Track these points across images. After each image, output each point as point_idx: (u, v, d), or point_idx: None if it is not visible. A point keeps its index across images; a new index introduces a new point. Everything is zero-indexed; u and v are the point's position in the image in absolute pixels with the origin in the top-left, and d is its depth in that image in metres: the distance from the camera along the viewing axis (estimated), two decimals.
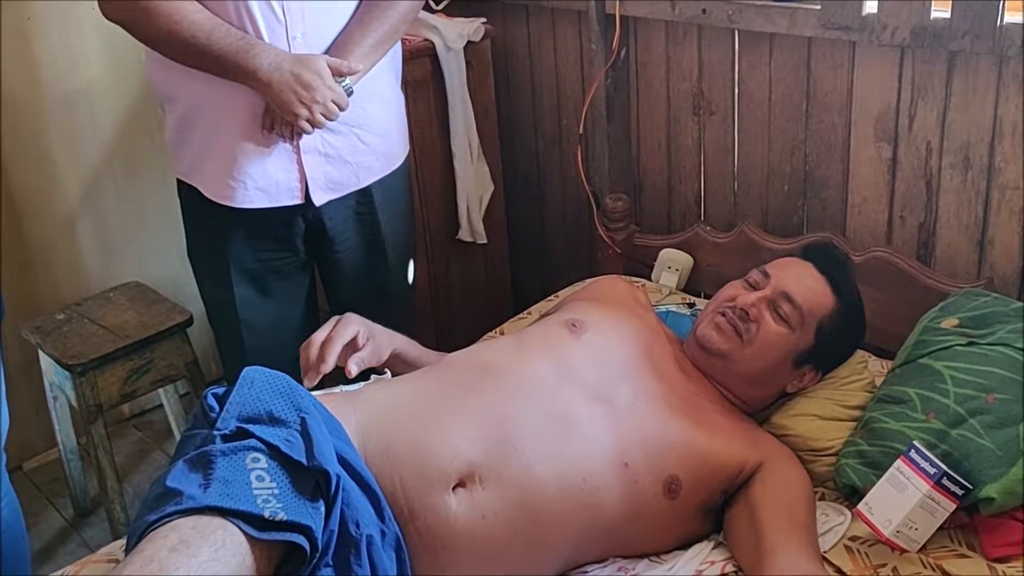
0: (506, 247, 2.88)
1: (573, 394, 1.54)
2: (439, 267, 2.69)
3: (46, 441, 2.73)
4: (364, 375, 1.88)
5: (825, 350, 1.69)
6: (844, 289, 1.70)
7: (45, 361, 2.45)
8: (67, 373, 2.32)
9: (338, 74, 1.80)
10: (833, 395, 1.72)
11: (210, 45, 1.73)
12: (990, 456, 1.48)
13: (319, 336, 1.62)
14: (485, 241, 2.73)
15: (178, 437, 1.59)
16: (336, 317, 1.66)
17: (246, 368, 1.47)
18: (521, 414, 1.48)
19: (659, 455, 1.52)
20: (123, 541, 1.53)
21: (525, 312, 2.24)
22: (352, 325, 1.64)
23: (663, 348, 1.70)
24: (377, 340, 1.67)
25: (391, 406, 1.53)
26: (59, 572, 1.55)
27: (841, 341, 1.73)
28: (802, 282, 1.68)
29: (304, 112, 1.76)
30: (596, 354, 1.60)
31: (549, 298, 2.26)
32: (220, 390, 1.49)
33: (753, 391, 1.70)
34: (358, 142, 1.94)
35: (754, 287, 1.69)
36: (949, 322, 1.69)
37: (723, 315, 1.67)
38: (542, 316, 1.86)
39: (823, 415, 1.70)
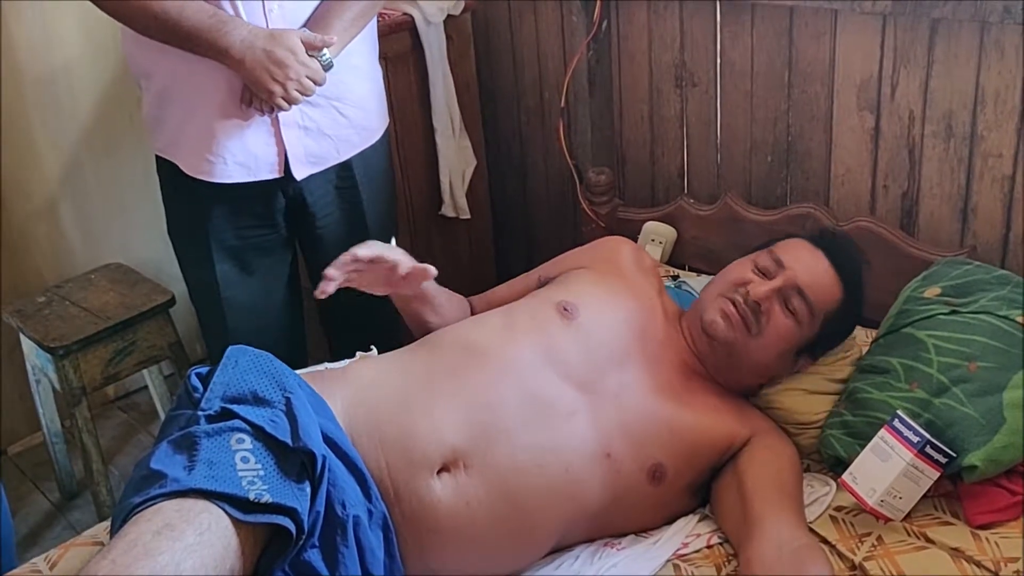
0: (489, 222, 2.87)
1: (558, 382, 1.53)
2: (422, 243, 2.68)
3: (30, 425, 2.71)
4: (350, 352, 1.88)
5: (825, 340, 1.68)
6: (852, 281, 1.66)
7: (27, 344, 2.43)
8: (49, 356, 2.30)
9: (313, 48, 1.78)
10: (819, 369, 1.72)
11: (181, 22, 1.71)
12: (973, 424, 1.48)
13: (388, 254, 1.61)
14: (468, 216, 2.72)
15: (163, 418, 1.58)
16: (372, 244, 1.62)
17: (230, 347, 1.46)
18: (506, 401, 1.47)
19: (643, 444, 1.52)
20: (108, 523, 1.52)
21: None
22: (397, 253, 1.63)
23: (657, 327, 1.67)
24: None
25: (377, 386, 1.52)
26: (43, 555, 1.54)
27: (841, 331, 1.71)
28: (815, 276, 1.62)
29: (278, 89, 1.75)
30: (586, 341, 1.57)
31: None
32: (204, 370, 1.48)
33: (750, 379, 1.69)
34: (337, 115, 1.92)
35: (764, 274, 1.63)
36: (932, 291, 1.69)
37: (733, 303, 1.61)
38: (541, 283, 1.79)
39: (809, 389, 1.70)
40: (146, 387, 2.73)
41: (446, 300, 1.78)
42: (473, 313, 1.80)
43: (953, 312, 1.62)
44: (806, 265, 1.63)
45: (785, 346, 1.63)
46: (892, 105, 1.95)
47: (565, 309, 1.60)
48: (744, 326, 1.60)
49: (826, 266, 1.64)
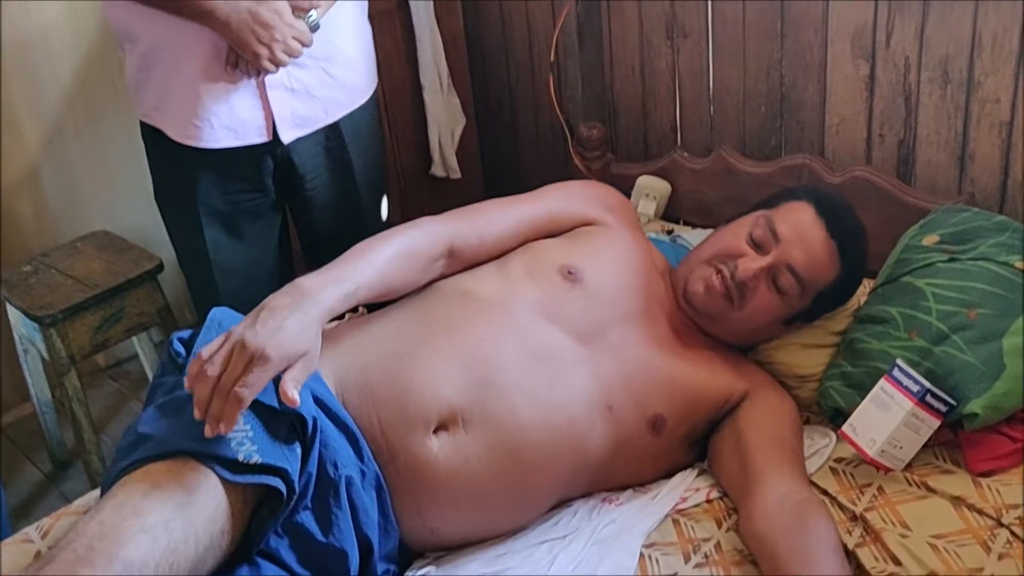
0: (480, 181, 2.84)
1: (559, 335, 1.50)
2: (412, 203, 2.64)
3: (20, 395, 2.69)
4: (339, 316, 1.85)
5: (817, 311, 1.64)
6: (851, 258, 1.59)
7: (13, 314, 2.40)
8: (36, 325, 2.27)
9: (299, 10, 1.74)
10: (817, 323, 1.69)
11: None
12: (973, 371, 1.46)
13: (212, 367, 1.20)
14: (459, 176, 2.68)
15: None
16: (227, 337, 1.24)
17: (213, 309, 1.44)
18: (505, 356, 1.44)
19: (644, 395, 1.50)
20: (99, 492, 1.50)
21: None
22: (266, 367, 1.21)
23: (655, 284, 1.64)
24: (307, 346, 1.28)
25: (368, 345, 1.48)
26: (35, 524, 1.52)
27: (836, 302, 1.67)
28: (811, 254, 1.55)
29: (264, 51, 1.71)
30: (589, 300, 1.54)
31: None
32: (186, 334, 1.45)
33: (736, 342, 1.66)
34: (325, 76, 1.88)
35: (758, 246, 1.57)
36: (930, 239, 1.67)
37: (719, 274, 1.56)
38: (539, 228, 1.68)
39: (807, 342, 1.68)
40: (136, 356, 2.70)
41: (399, 271, 1.50)
42: (453, 251, 1.58)
43: (952, 259, 1.60)
44: (803, 240, 1.55)
45: (770, 318, 1.59)
46: (887, 52, 1.91)
47: (570, 272, 1.55)
48: (726, 299, 1.56)
49: (824, 240, 1.56)
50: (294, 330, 1.25)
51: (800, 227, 1.56)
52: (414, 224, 1.56)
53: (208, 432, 1.18)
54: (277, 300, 1.30)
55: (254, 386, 1.19)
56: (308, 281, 1.34)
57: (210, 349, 1.22)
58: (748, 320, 1.58)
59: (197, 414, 1.19)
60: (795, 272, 1.55)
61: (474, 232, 1.61)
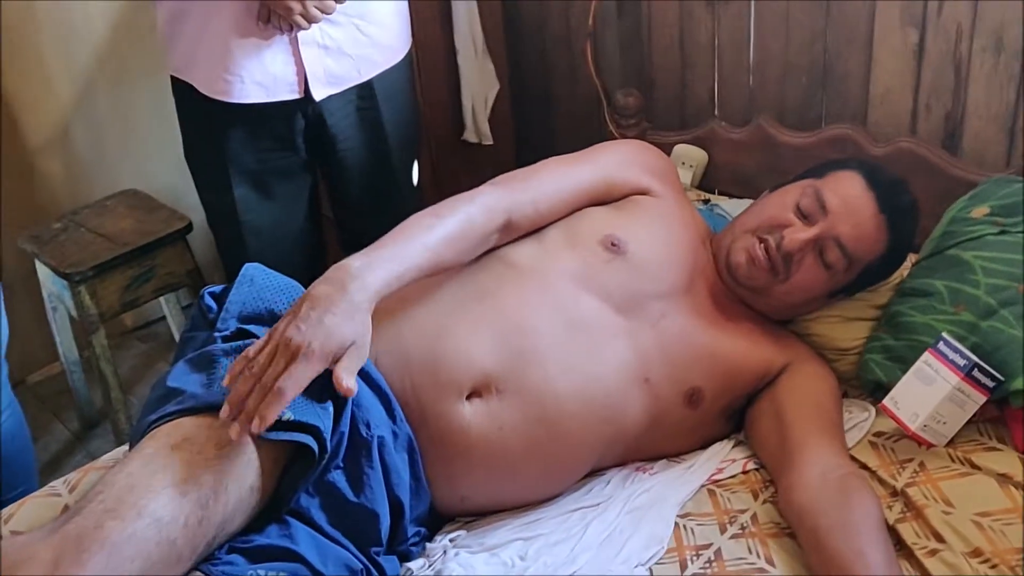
0: (513, 148, 2.79)
1: (598, 305, 1.46)
2: (443, 169, 2.61)
3: (48, 354, 2.69)
4: None
5: (862, 285, 1.60)
6: (900, 234, 1.55)
7: (43, 272, 2.40)
8: (65, 283, 2.27)
9: None
10: (859, 295, 1.65)
11: None
12: (1022, 347, 1.42)
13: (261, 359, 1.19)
14: (491, 142, 2.64)
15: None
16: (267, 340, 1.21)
17: (246, 264, 1.42)
18: (542, 324, 1.41)
19: (682, 369, 1.47)
20: (127, 448, 1.49)
21: None
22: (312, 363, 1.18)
23: (700, 256, 1.59)
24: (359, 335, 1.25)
25: (404, 311, 1.44)
26: (62, 478, 1.52)
27: (881, 275, 1.62)
28: (859, 228, 1.49)
29: (296, 6, 1.70)
30: (631, 272, 1.49)
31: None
32: (218, 289, 1.43)
33: (776, 315, 1.61)
34: (358, 33, 1.86)
35: (805, 216, 1.51)
36: (979, 211, 1.62)
37: (764, 245, 1.51)
38: (589, 195, 1.62)
39: (848, 315, 1.65)
40: (164, 317, 2.70)
41: (453, 251, 1.43)
42: (508, 226, 1.52)
43: (1003, 232, 1.55)
44: (852, 213, 1.50)
45: (815, 293, 1.55)
46: (939, 20, 1.86)
47: (613, 243, 1.51)
48: (770, 270, 1.52)
49: (874, 214, 1.50)
50: (339, 323, 1.20)
51: (849, 200, 1.51)
52: (471, 197, 1.48)
53: (234, 434, 1.13)
54: (320, 288, 1.24)
55: (297, 381, 1.16)
56: (356, 261, 1.29)
57: (255, 348, 1.19)
58: (791, 294, 1.54)
59: (225, 412, 1.14)
60: (842, 246, 1.50)
61: (530, 203, 1.54)
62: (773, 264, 1.51)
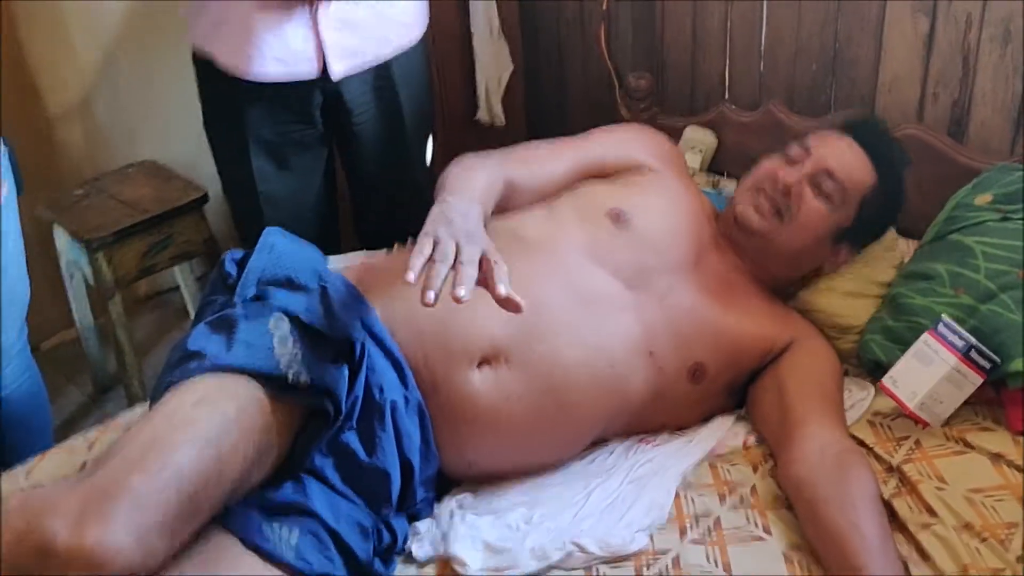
0: (525, 129, 2.82)
1: (606, 277, 1.50)
2: (456, 149, 2.61)
3: (63, 320, 2.73)
4: (387, 243, 1.87)
5: (864, 226, 1.64)
6: (885, 163, 1.63)
7: (60, 238, 2.43)
8: (83, 249, 2.30)
9: None
10: (861, 271, 1.69)
11: None
12: (1020, 330, 1.45)
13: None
14: (503, 123, 2.67)
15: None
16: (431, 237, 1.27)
17: (266, 229, 1.45)
18: (551, 297, 1.45)
19: (687, 344, 1.51)
20: (145, 407, 1.53)
21: None
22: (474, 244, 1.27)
23: (704, 229, 1.64)
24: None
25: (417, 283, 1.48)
26: (81, 434, 1.55)
27: (881, 216, 1.67)
28: (843, 157, 1.60)
29: None
30: (636, 245, 1.54)
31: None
32: (239, 254, 1.47)
33: (789, 270, 1.66)
34: (377, 12, 1.88)
35: (794, 161, 1.61)
36: (983, 198, 1.65)
37: (763, 193, 1.59)
38: (588, 168, 1.70)
39: (850, 290, 1.68)
40: (178, 287, 2.73)
41: (490, 200, 1.53)
42: (510, 186, 1.59)
43: (1005, 219, 1.58)
44: (834, 148, 1.61)
45: (820, 231, 1.60)
46: (949, 8, 1.88)
47: (618, 216, 1.56)
48: (775, 213, 1.58)
49: (855, 148, 1.62)
50: (466, 224, 1.30)
51: (828, 138, 1.64)
52: (471, 165, 1.55)
53: (456, 291, 1.18)
54: (435, 211, 1.33)
55: (471, 260, 1.22)
56: (451, 197, 1.38)
57: (419, 253, 1.23)
58: (799, 234, 1.59)
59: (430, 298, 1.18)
60: (834, 176, 1.58)
61: (527, 172, 1.62)
62: (777, 208, 1.58)
